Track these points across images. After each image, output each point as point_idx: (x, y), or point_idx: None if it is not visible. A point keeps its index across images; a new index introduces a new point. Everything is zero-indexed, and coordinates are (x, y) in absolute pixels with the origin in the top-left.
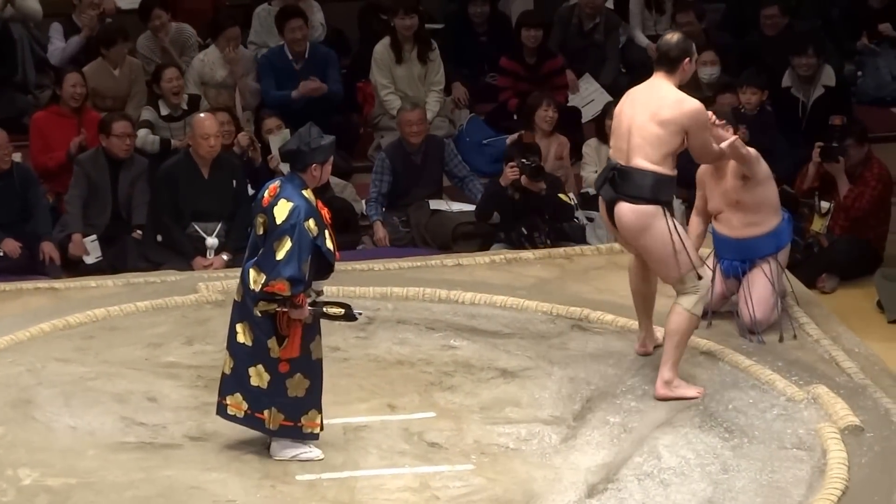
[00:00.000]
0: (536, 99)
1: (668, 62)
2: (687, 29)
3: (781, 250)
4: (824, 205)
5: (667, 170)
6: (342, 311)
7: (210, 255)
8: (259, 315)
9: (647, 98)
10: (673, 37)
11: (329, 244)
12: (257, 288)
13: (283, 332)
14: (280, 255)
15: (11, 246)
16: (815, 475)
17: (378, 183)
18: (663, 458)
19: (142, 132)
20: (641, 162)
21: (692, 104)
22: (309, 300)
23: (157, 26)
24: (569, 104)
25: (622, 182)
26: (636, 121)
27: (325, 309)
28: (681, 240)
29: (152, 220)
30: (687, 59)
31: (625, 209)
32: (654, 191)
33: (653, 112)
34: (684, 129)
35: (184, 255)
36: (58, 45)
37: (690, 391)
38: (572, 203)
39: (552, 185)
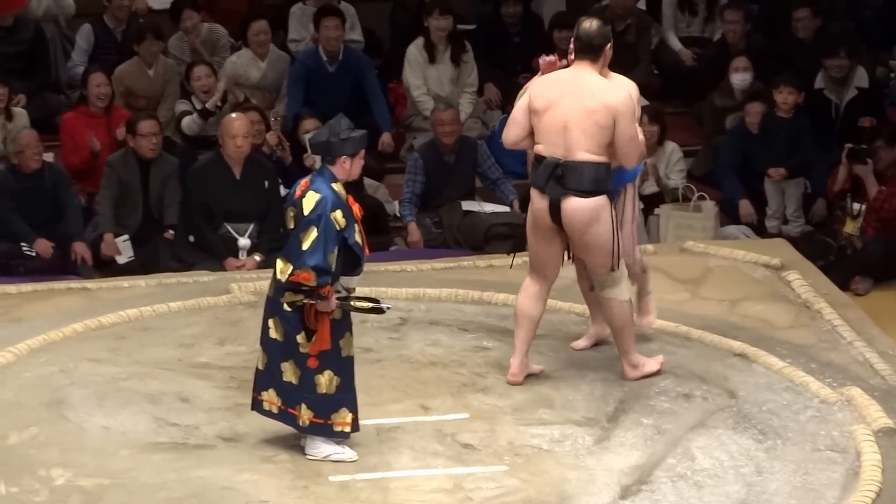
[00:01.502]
0: None
1: (593, 50)
2: (732, 27)
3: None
4: (856, 206)
5: (608, 158)
6: (370, 304)
7: (242, 256)
8: (287, 307)
9: (580, 91)
10: (592, 24)
11: (357, 238)
12: (283, 278)
13: (310, 325)
14: (305, 245)
15: (43, 246)
16: (849, 477)
17: (411, 183)
18: (697, 460)
19: (186, 119)
20: (586, 155)
21: (622, 93)
22: (339, 296)
23: (188, 27)
24: None
25: (571, 177)
26: (573, 115)
27: (352, 302)
28: (618, 228)
29: (184, 220)
30: (608, 45)
31: (577, 204)
32: (604, 182)
33: (588, 105)
34: (614, 119)
35: (216, 255)
36: (78, 58)
37: (653, 364)
38: None
39: None
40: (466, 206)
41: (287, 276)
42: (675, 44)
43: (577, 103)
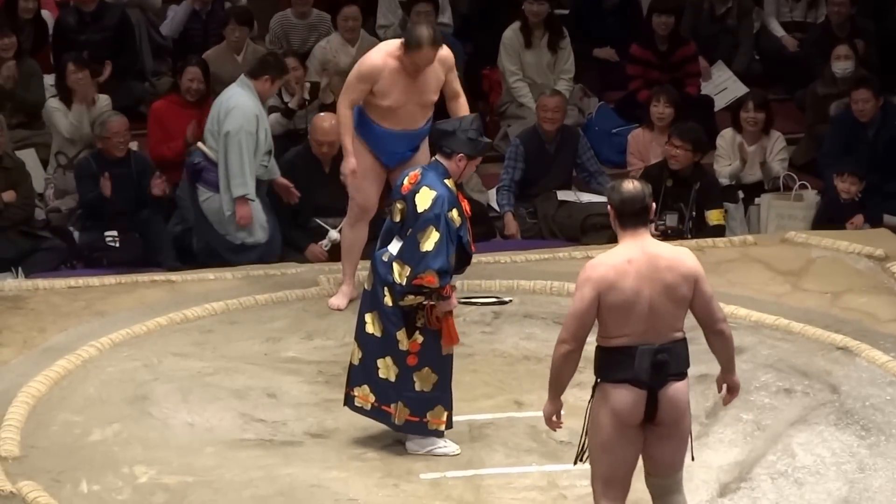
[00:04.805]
0: (652, 94)
1: (647, 212)
2: (836, 10)
3: None
4: None
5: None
6: (493, 298)
7: (326, 246)
8: (407, 307)
9: (655, 270)
10: (635, 185)
11: (469, 236)
12: (404, 281)
13: (433, 325)
14: (427, 247)
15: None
16: None
17: (511, 170)
18: (798, 457)
19: (272, 117)
20: (678, 334)
21: (692, 255)
22: (461, 296)
23: (300, 1)
24: (702, 92)
25: (674, 361)
26: (657, 298)
27: (474, 299)
28: None
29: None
30: None
31: (680, 389)
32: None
33: (668, 281)
34: (695, 286)
35: (297, 247)
36: (166, 30)
37: None
38: (724, 224)
39: (705, 186)
40: (562, 195)
41: (407, 278)
42: (778, 29)
43: (658, 284)
